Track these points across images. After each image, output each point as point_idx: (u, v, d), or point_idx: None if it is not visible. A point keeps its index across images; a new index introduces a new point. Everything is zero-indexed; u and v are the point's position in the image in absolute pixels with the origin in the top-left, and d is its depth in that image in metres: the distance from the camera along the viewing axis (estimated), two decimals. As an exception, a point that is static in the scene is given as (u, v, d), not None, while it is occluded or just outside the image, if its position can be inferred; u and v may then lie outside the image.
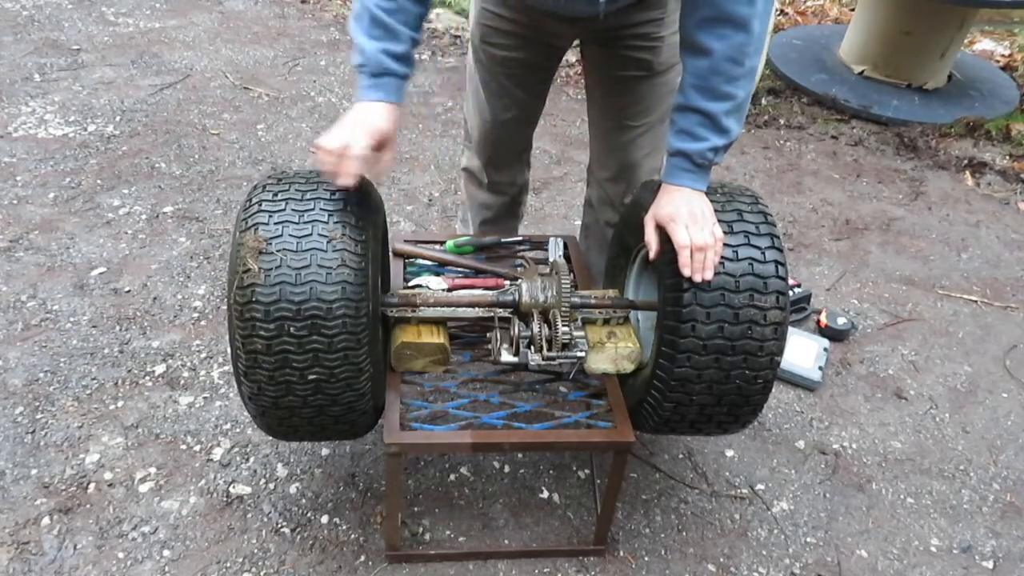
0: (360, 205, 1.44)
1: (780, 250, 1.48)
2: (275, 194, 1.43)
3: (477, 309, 1.68)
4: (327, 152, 1.35)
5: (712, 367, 1.48)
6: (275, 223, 1.37)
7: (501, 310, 1.69)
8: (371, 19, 1.39)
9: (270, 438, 1.95)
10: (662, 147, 1.70)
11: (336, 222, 1.39)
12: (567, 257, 2.01)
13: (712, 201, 1.49)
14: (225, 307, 2.31)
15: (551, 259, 1.72)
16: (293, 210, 1.39)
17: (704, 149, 1.43)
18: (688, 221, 1.43)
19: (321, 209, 1.40)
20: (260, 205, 1.41)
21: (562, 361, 1.60)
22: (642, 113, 1.82)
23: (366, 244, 1.42)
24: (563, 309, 1.58)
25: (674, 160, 1.46)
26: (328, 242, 1.36)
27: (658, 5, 1.67)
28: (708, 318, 1.44)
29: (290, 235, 1.36)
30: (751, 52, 1.37)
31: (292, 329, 1.35)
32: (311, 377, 1.40)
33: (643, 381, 1.62)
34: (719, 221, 1.45)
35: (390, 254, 1.96)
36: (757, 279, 1.45)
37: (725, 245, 1.44)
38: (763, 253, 1.46)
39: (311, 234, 1.37)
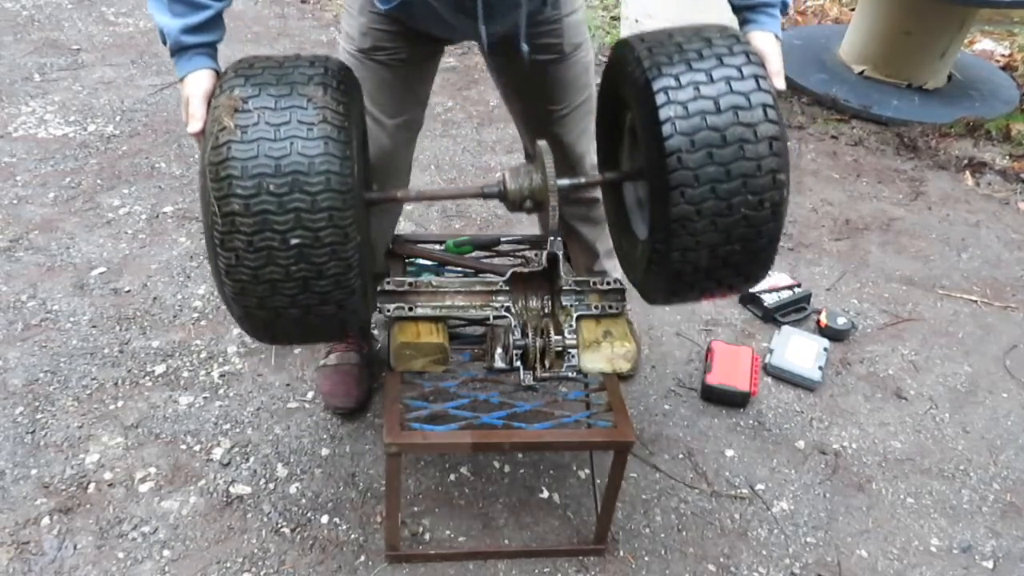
0: (342, 79, 1.37)
1: (759, 64, 1.37)
2: (251, 65, 1.36)
3: (474, 300, 1.69)
4: (193, 119, 1.38)
5: (709, 198, 1.33)
6: (252, 85, 1.29)
7: (496, 308, 1.69)
8: None
9: (270, 438, 1.95)
10: (588, 127, 1.79)
11: (317, 84, 1.30)
12: (567, 257, 2.01)
13: (687, 40, 1.40)
14: (224, 306, 2.31)
15: (537, 151, 1.56)
16: (271, 75, 1.32)
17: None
18: (778, 51, 1.49)
19: (300, 73, 1.32)
20: (235, 73, 1.33)
21: (553, 378, 1.62)
22: (563, 95, 1.81)
23: (348, 109, 1.33)
24: (551, 193, 1.49)
25: (773, 10, 1.50)
26: (308, 101, 1.28)
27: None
28: (693, 145, 1.31)
29: (268, 95, 1.28)
30: None
31: (271, 186, 1.24)
32: (294, 242, 1.26)
33: (644, 242, 1.50)
34: (697, 55, 1.36)
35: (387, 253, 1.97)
36: (739, 96, 1.33)
37: (693, 70, 1.35)
38: (740, 70, 1.35)
39: (291, 93, 1.28)
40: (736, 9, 1.53)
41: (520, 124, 1.97)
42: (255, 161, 1.24)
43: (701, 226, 1.34)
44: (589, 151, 1.87)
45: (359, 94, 1.49)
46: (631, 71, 1.40)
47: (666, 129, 1.31)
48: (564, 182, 1.56)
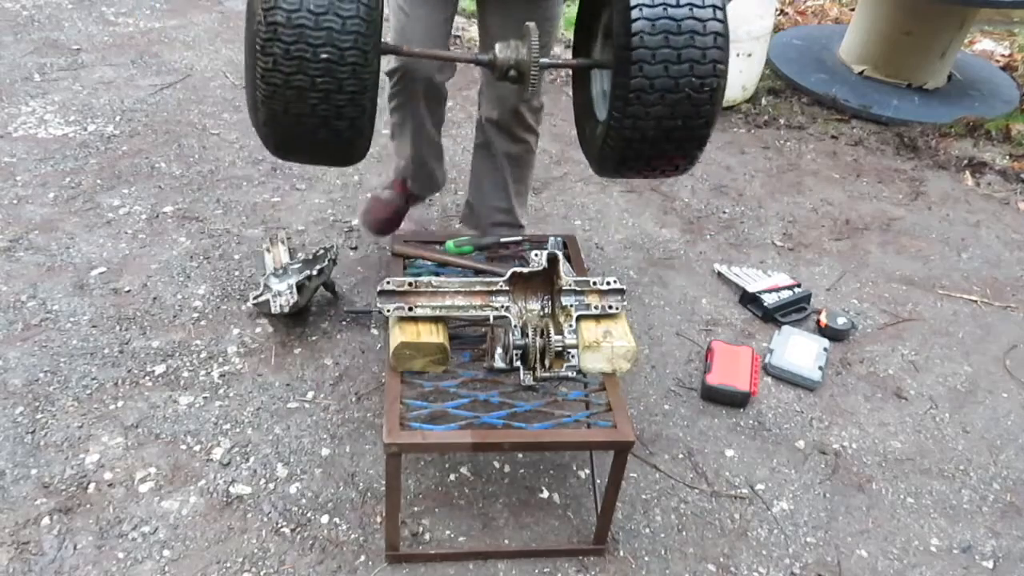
0: None
1: None
2: None
3: (474, 300, 1.69)
4: None
5: (662, 75, 1.60)
6: None
7: (496, 308, 1.69)
8: None
9: (270, 438, 1.96)
10: (558, 18, 2.10)
11: None
12: (567, 257, 2.01)
13: None
14: (224, 306, 2.32)
15: (525, 30, 1.79)
16: None
17: None
18: None
19: None
20: None
21: (553, 378, 1.66)
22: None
23: None
24: (533, 69, 1.74)
25: None
26: None
27: None
28: (653, 28, 1.59)
29: None
30: None
31: (311, 5, 1.47)
32: (323, 55, 1.49)
33: (602, 122, 1.77)
34: None
35: (391, 254, 1.97)
36: (696, 22, 1.60)
37: None
38: None
39: None
40: None
41: (485, 19, 2.14)
42: (298, 14, 1.46)
43: (652, 98, 1.62)
44: (551, 43, 2.14)
45: None
46: None
47: (634, 13, 1.59)
48: (545, 60, 1.82)
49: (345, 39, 1.50)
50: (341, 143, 1.64)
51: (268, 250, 2.46)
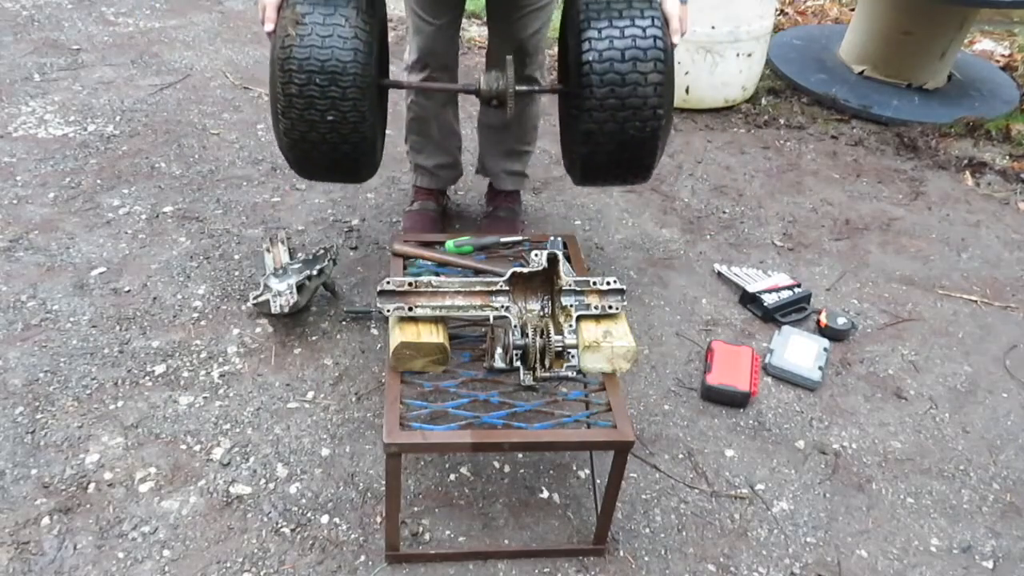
0: (372, 1, 1.94)
1: (659, 28, 1.91)
2: None
3: (474, 300, 1.69)
4: (267, 21, 1.94)
5: (609, 121, 1.94)
6: (308, 3, 1.87)
7: (496, 308, 1.69)
8: None
9: (270, 438, 1.96)
10: (545, 24, 2.32)
11: (352, 7, 1.88)
12: (567, 257, 2.01)
13: (619, 5, 1.95)
14: (224, 306, 2.32)
15: (505, 63, 2.10)
16: None
17: None
18: (682, 15, 1.99)
19: None
20: None
21: (553, 378, 1.68)
22: None
23: (372, 25, 1.91)
24: (510, 94, 2.06)
25: None
26: (345, 20, 1.86)
27: None
28: (601, 82, 1.90)
29: (319, 13, 1.86)
30: None
31: (317, 80, 1.85)
32: (329, 118, 1.89)
33: (567, 141, 2.21)
34: (617, 15, 1.93)
35: (391, 254, 1.98)
36: (638, 51, 1.90)
37: (612, 27, 1.91)
38: (644, 31, 1.90)
39: (334, 14, 1.86)
40: None
41: (492, 28, 2.36)
42: (307, 62, 1.85)
43: (602, 139, 1.97)
44: (537, 54, 2.36)
45: (383, 9, 2.08)
46: (574, 15, 1.97)
47: (584, 69, 1.91)
48: (522, 88, 2.19)
49: (346, 104, 1.87)
50: (350, 164, 2.01)
51: (268, 250, 2.46)
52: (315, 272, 2.23)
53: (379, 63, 2.02)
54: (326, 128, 1.91)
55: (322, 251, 2.34)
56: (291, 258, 2.43)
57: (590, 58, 1.90)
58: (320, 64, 1.84)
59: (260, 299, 2.19)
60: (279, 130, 1.97)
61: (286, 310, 2.15)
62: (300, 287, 2.18)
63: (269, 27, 1.95)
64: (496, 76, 2.09)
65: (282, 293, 2.16)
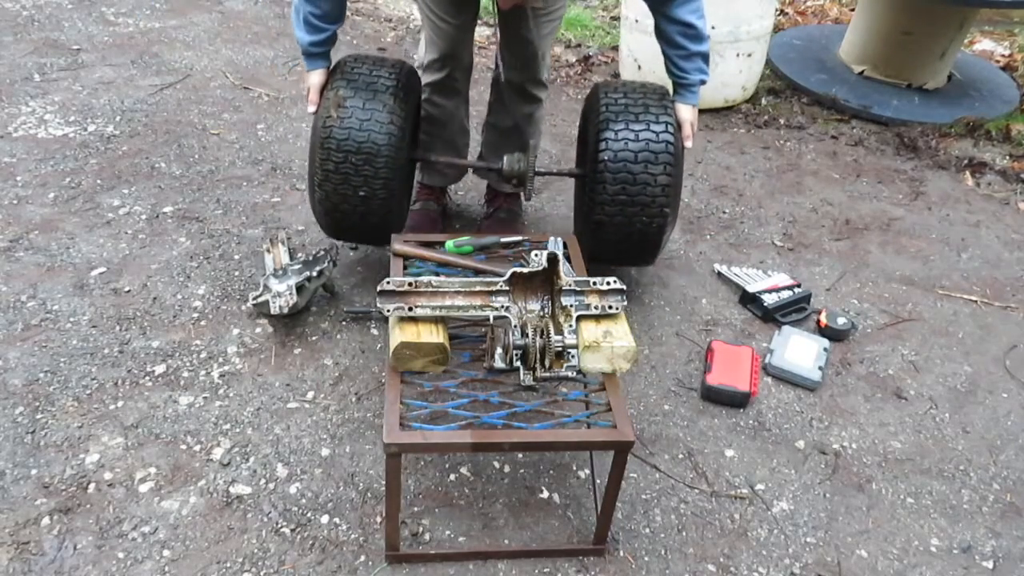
0: (407, 86, 2.13)
1: (672, 133, 2.08)
2: (352, 68, 2.12)
3: (474, 300, 1.69)
4: (311, 102, 2.16)
5: (618, 215, 2.11)
6: (350, 87, 2.06)
7: (496, 308, 1.69)
8: (304, 21, 2.06)
9: (270, 438, 1.96)
10: (555, 28, 2.38)
11: (391, 94, 2.06)
12: (567, 257, 2.01)
13: (632, 103, 2.14)
14: (224, 306, 2.32)
15: (529, 147, 2.27)
16: (364, 80, 2.08)
17: (704, 77, 2.17)
18: (693, 119, 2.21)
19: (382, 83, 2.08)
20: (341, 75, 2.10)
21: (553, 378, 1.69)
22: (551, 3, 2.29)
23: (408, 110, 2.10)
24: (530, 177, 2.24)
25: (693, 88, 2.17)
26: (384, 106, 2.04)
27: None
28: (614, 181, 2.07)
29: (359, 97, 2.04)
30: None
31: (353, 159, 2.04)
32: (361, 193, 2.08)
33: (579, 223, 2.41)
34: (634, 118, 2.11)
35: (391, 255, 1.98)
36: (650, 154, 2.06)
37: (628, 129, 2.09)
38: (657, 136, 2.07)
39: (373, 99, 2.04)
40: (672, 82, 2.20)
41: (509, 36, 2.35)
42: (346, 142, 2.03)
43: (611, 231, 2.15)
44: (547, 55, 2.42)
45: (417, 92, 2.26)
46: (595, 114, 2.16)
47: (599, 167, 2.09)
48: (541, 171, 2.34)
49: (378, 182, 2.06)
50: (379, 229, 2.18)
51: (268, 250, 2.46)
52: (315, 273, 2.23)
53: (411, 140, 2.21)
54: (357, 201, 2.09)
55: (322, 252, 2.35)
56: (291, 259, 2.43)
57: (605, 156, 2.06)
58: (357, 145, 2.02)
59: (260, 299, 2.19)
60: (314, 198, 2.16)
61: (285, 311, 2.16)
62: (300, 288, 2.18)
63: (312, 108, 2.13)
64: (519, 158, 2.25)
65: (281, 294, 2.16)
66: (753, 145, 3.45)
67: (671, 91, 2.21)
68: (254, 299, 2.21)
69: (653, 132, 2.06)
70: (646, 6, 2.08)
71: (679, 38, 2.08)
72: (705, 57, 2.13)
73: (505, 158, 2.26)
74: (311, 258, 2.34)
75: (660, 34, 2.12)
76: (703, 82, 2.17)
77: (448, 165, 2.64)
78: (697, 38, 2.09)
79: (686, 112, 2.17)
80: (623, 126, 2.07)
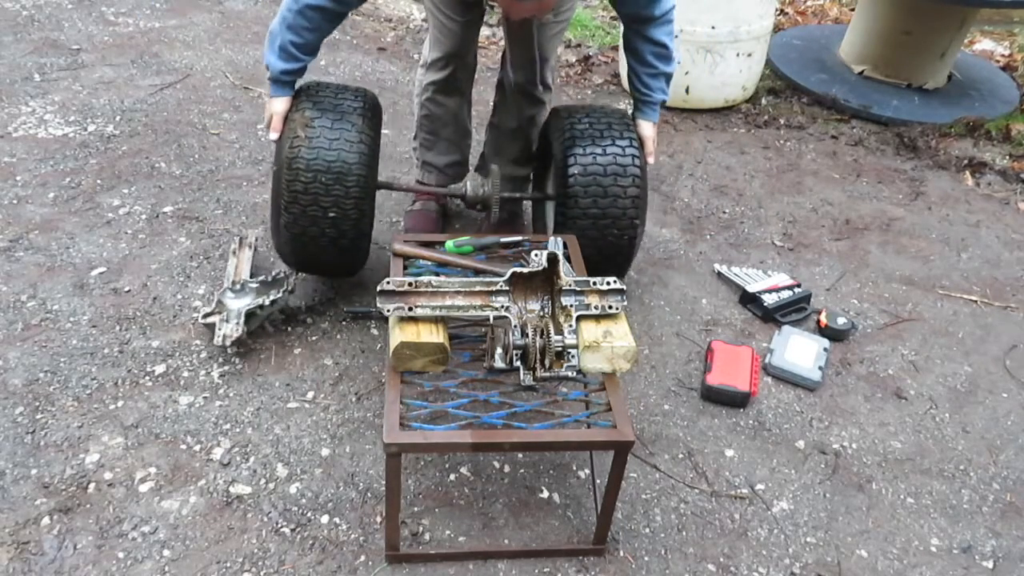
0: (373, 109, 2.11)
1: (636, 148, 2.14)
2: (317, 91, 2.08)
3: (474, 300, 1.69)
4: (274, 129, 2.07)
5: (591, 228, 2.12)
6: (317, 108, 2.02)
7: (496, 308, 1.69)
8: (281, 48, 2.00)
9: (270, 438, 1.96)
10: (562, 31, 2.38)
11: (359, 114, 2.03)
12: (567, 257, 2.01)
13: (596, 121, 2.18)
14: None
15: (491, 172, 2.27)
16: (329, 103, 2.04)
17: (665, 97, 2.21)
18: (654, 136, 2.25)
19: (348, 105, 2.05)
20: (307, 97, 2.05)
21: (553, 378, 1.68)
22: (561, 6, 2.27)
23: (374, 134, 2.08)
24: (495, 200, 2.23)
25: (655, 106, 2.21)
26: (352, 126, 2.01)
27: None
28: (585, 194, 2.10)
29: (327, 118, 2.00)
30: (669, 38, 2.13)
31: (323, 179, 1.97)
32: (331, 214, 2.01)
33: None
34: (599, 135, 2.15)
35: (391, 255, 1.98)
36: (619, 167, 2.10)
37: (595, 145, 2.13)
38: (623, 149, 2.11)
39: (341, 120, 2.01)
40: (635, 98, 2.22)
41: (516, 43, 2.34)
42: (315, 162, 1.97)
43: (584, 245, 2.08)
44: (552, 58, 2.42)
45: (380, 117, 2.19)
46: (559, 133, 2.19)
47: (570, 181, 2.11)
48: (505, 194, 2.32)
49: (348, 203, 2.00)
50: (346, 258, 2.15)
51: (235, 252, 2.40)
52: (268, 301, 2.16)
53: (375, 165, 2.12)
54: (327, 223, 2.02)
55: (283, 274, 2.26)
56: (253, 273, 2.34)
57: (575, 171, 2.10)
58: (327, 164, 1.96)
59: (208, 320, 2.13)
60: (278, 223, 2.06)
61: (227, 344, 2.09)
62: (250, 315, 2.14)
63: (274, 136, 2.05)
64: (481, 183, 2.24)
65: (228, 322, 2.12)
66: (753, 145, 3.45)
67: (633, 108, 2.25)
68: (204, 316, 2.15)
69: (619, 147, 2.11)
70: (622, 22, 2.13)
71: (650, 57, 2.11)
72: (669, 78, 2.18)
73: (468, 183, 2.26)
74: (271, 280, 2.24)
75: (632, 51, 2.14)
76: (664, 102, 2.22)
77: (450, 165, 2.64)
78: (667, 59, 2.13)
79: (647, 129, 2.20)
80: (589, 141, 2.12)
